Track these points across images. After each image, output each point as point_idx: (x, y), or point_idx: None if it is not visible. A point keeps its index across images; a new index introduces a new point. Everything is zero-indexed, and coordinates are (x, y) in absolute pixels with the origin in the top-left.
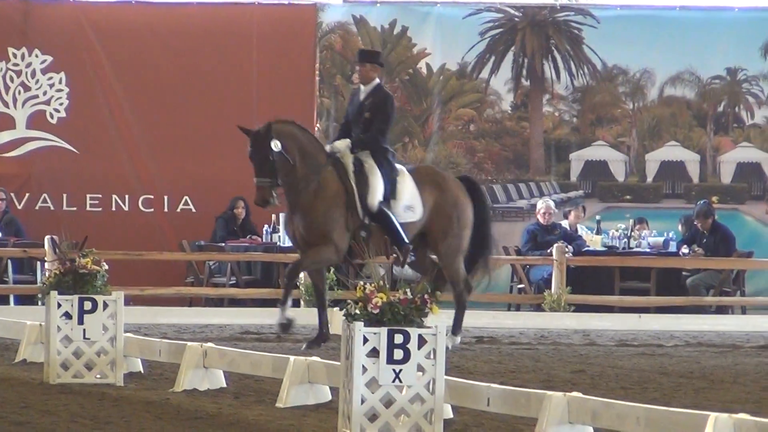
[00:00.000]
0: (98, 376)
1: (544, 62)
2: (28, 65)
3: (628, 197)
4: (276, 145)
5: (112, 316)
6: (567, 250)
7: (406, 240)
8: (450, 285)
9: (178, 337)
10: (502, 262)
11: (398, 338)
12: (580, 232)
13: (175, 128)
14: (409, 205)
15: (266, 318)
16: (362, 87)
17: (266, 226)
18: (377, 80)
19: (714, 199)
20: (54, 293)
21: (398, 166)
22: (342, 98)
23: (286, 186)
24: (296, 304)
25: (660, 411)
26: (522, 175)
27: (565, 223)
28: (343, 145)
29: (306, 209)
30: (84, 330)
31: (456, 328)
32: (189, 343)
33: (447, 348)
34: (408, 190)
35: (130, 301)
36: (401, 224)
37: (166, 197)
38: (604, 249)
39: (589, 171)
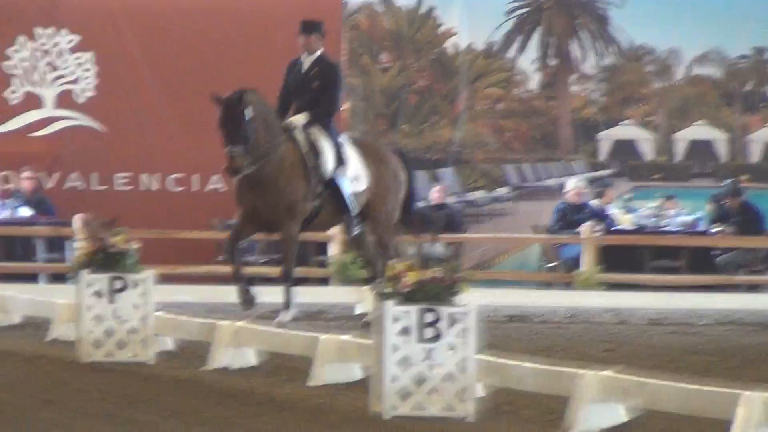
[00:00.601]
0: (130, 354)
1: (571, 42)
2: (56, 44)
3: (657, 176)
4: (249, 113)
5: (143, 295)
6: (597, 229)
7: (355, 210)
8: (381, 254)
9: (210, 315)
10: (533, 241)
11: (429, 317)
12: (609, 211)
13: (203, 107)
14: (356, 175)
15: (297, 296)
16: (303, 57)
17: None
18: (321, 50)
19: (743, 178)
20: (85, 272)
21: (341, 137)
22: (369, 78)
23: (252, 154)
24: (327, 282)
25: (692, 389)
26: (551, 155)
27: (595, 202)
28: (300, 120)
29: (269, 182)
30: (115, 309)
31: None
32: (220, 322)
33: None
34: (353, 160)
35: (161, 279)
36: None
37: (195, 176)
38: (633, 228)
39: (618, 150)
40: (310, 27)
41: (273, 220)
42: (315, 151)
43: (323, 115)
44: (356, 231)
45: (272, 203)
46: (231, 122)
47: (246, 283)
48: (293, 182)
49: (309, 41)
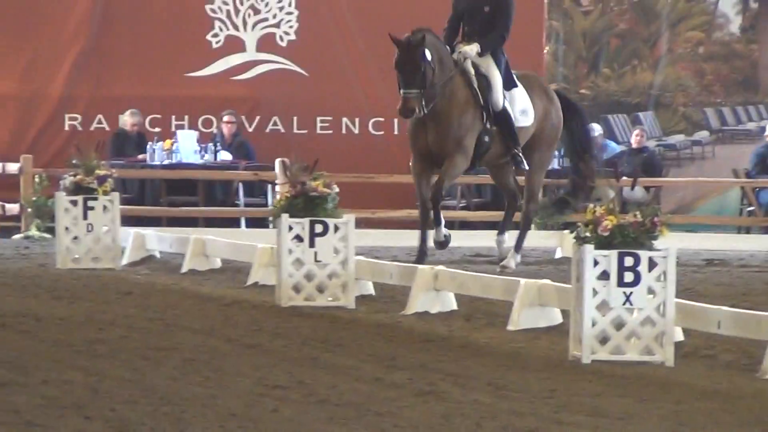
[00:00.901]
0: (330, 298)
1: None
2: None
3: None
4: (427, 55)
5: (343, 239)
6: None
7: (520, 145)
8: (525, 199)
9: (409, 260)
10: (732, 185)
11: (628, 261)
12: None
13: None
14: (523, 109)
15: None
16: None
17: None
18: None
19: None
20: (285, 216)
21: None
22: (571, 21)
23: (426, 95)
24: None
25: None
26: (751, 98)
27: None
28: (473, 50)
29: (441, 117)
30: (315, 253)
31: (519, 246)
32: (420, 266)
33: (510, 267)
34: (521, 94)
35: (361, 223)
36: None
37: (395, 120)
38: None
39: None
40: None
41: (442, 155)
42: (486, 84)
43: (495, 43)
44: (524, 167)
45: (442, 138)
46: (408, 65)
47: (437, 224)
48: (463, 117)
49: None
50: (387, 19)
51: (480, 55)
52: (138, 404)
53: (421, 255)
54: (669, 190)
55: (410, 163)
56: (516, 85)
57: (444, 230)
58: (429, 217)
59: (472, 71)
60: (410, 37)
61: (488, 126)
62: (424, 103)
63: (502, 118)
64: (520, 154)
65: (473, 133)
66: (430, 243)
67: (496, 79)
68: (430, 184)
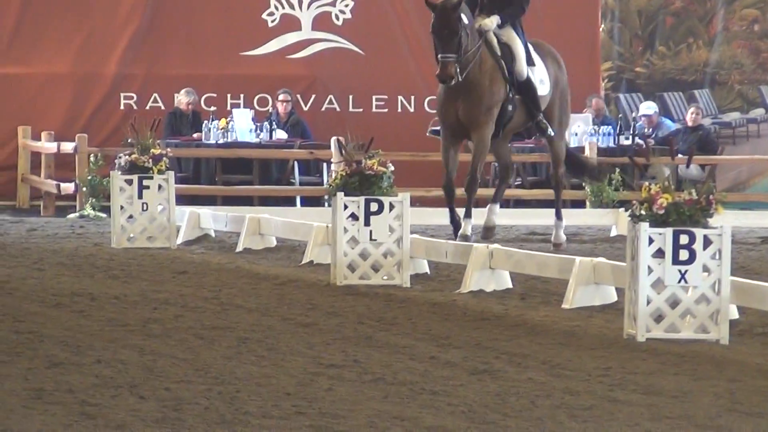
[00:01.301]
0: (385, 277)
1: None
2: None
3: None
4: (464, 20)
5: (399, 218)
6: None
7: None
8: (553, 166)
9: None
10: None
11: (683, 239)
12: None
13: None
14: (541, 78)
15: (552, 219)
16: None
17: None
18: None
19: None
20: (340, 195)
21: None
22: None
23: (462, 62)
24: (582, 204)
25: None
26: None
27: None
28: (493, 23)
29: (473, 86)
30: (370, 231)
31: (560, 214)
32: (475, 245)
33: (561, 239)
34: (538, 62)
35: (416, 202)
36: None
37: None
38: None
39: None
40: None
41: (472, 125)
42: (509, 54)
43: (515, 14)
44: (551, 133)
45: (472, 107)
46: (447, 29)
47: (467, 215)
48: (493, 86)
49: None
50: None
51: (500, 26)
52: (192, 383)
53: (456, 228)
54: (724, 168)
55: (434, 128)
56: (533, 59)
57: (493, 216)
58: (453, 190)
59: (495, 41)
60: (446, 2)
61: (511, 95)
62: (458, 69)
63: (525, 87)
64: (545, 121)
65: (500, 102)
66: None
67: (519, 48)
68: (456, 157)
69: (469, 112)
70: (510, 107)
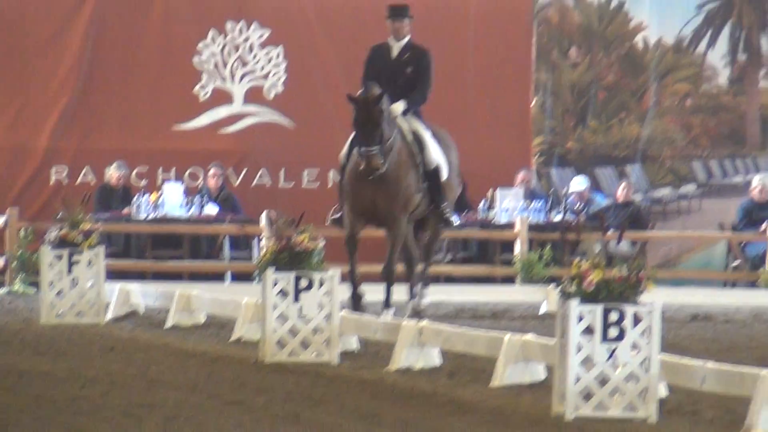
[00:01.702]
0: (314, 354)
1: (761, 36)
2: (246, 39)
3: None
4: (386, 112)
5: (328, 294)
6: None
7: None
8: (430, 249)
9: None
10: (718, 239)
11: (613, 316)
12: None
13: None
14: (440, 164)
15: (482, 296)
16: (391, 42)
17: (482, 202)
18: (408, 35)
19: None
20: (270, 270)
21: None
22: (558, 73)
23: (384, 152)
24: (512, 281)
25: None
26: (738, 151)
27: None
28: (400, 108)
29: (391, 177)
30: (300, 308)
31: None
32: (405, 322)
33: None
34: (437, 147)
35: (346, 278)
36: None
37: None
38: None
39: None
40: (400, 12)
41: (388, 216)
42: (419, 142)
43: (420, 101)
44: (454, 223)
45: (391, 199)
46: (370, 123)
47: (386, 305)
48: (409, 176)
49: (400, 27)
50: None
51: (404, 113)
52: None
53: (356, 300)
54: (655, 244)
55: (334, 216)
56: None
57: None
58: (356, 264)
59: (406, 128)
60: (370, 95)
61: (420, 183)
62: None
63: (434, 176)
64: (449, 209)
65: (415, 193)
66: None
67: (427, 135)
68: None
69: (387, 204)
70: (419, 195)
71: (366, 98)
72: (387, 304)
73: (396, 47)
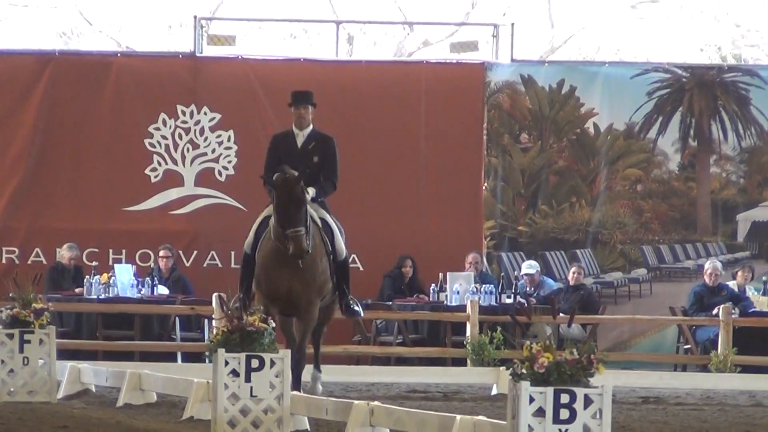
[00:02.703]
0: None
1: (712, 122)
2: (197, 123)
3: None
4: (309, 193)
5: (279, 374)
6: (733, 311)
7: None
8: (319, 336)
9: (345, 395)
10: (669, 323)
11: (564, 398)
12: (747, 293)
13: (342, 185)
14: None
15: (433, 377)
16: (295, 131)
17: (433, 285)
18: (311, 124)
19: None
20: (221, 351)
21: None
22: (510, 157)
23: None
24: (463, 363)
25: None
26: (689, 236)
27: (732, 284)
28: (311, 194)
29: (308, 261)
30: (251, 388)
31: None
32: (356, 402)
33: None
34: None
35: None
36: None
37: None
38: None
39: (757, 232)
40: (304, 98)
41: (302, 302)
42: (329, 231)
43: (329, 190)
44: (360, 314)
45: (307, 285)
46: (293, 203)
47: (296, 385)
48: (323, 261)
49: (304, 113)
50: None
51: (313, 200)
52: None
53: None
54: (606, 328)
55: (236, 305)
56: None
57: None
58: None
59: (315, 215)
60: (291, 177)
61: (330, 272)
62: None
63: (342, 266)
64: (353, 300)
65: (326, 281)
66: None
67: (335, 226)
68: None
69: (304, 288)
70: (330, 284)
71: (286, 179)
72: (296, 387)
73: (300, 136)
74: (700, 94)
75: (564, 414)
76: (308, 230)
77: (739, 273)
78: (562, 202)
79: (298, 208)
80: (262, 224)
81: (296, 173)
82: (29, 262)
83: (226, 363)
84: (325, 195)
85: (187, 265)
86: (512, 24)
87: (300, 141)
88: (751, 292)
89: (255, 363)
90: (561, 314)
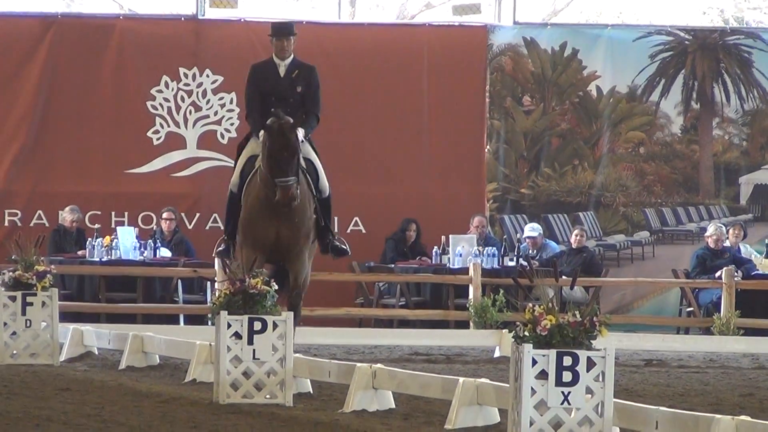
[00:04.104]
0: (267, 396)
1: (714, 85)
2: (199, 85)
3: None
4: (301, 141)
5: (282, 337)
6: (736, 274)
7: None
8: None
9: (348, 358)
10: (671, 286)
11: (567, 360)
12: (742, 252)
13: (345, 149)
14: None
15: (435, 340)
16: (277, 61)
17: (436, 247)
18: (293, 54)
19: None
20: (224, 313)
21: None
22: (512, 120)
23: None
24: (465, 325)
25: None
26: (691, 199)
27: (728, 243)
28: (300, 136)
29: (298, 208)
30: (254, 350)
31: None
32: (358, 364)
33: None
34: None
35: (299, 321)
36: None
37: (336, 218)
38: None
39: (759, 194)
40: (286, 30)
41: (292, 249)
42: (313, 170)
43: (314, 126)
44: (348, 253)
45: (295, 231)
46: (287, 151)
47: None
48: (309, 208)
49: (287, 46)
50: (328, 118)
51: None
52: None
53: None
54: (608, 290)
55: (220, 248)
56: None
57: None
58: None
59: (301, 156)
60: (285, 124)
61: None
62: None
63: (325, 205)
64: (339, 238)
65: (314, 223)
66: None
67: (319, 164)
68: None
69: (293, 236)
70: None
71: (282, 126)
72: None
73: (282, 66)
74: (702, 56)
75: (567, 376)
76: (298, 179)
77: (731, 232)
78: (565, 164)
79: (291, 156)
80: (247, 163)
81: (291, 120)
82: (32, 224)
83: (229, 325)
84: (312, 131)
85: (190, 227)
86: None
87: (282, 71)
88: (753, 255)
89: (258, 325)
90: (563, 277)
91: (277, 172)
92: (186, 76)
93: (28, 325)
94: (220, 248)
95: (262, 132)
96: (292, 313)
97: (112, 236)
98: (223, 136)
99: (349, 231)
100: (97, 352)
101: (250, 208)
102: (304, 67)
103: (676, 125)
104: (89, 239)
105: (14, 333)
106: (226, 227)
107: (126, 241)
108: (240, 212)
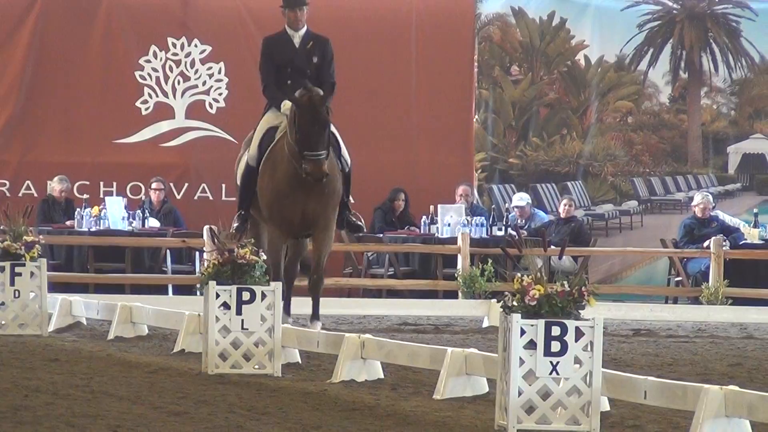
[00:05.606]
0: (256, 366)
1: (702, 55)
2: (188, 55)
3: None
4: (330, 115)
5: (270, 307)
6: (724, 243)
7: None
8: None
9: (336, 328)
10: (659, 255)
11: (555, 330)
12: (737, 224)
13: (333, 118)
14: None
15: (424, 310)
16: (291, 32)
17: (424, 217)
18: (306, 25)
19: None
20: (212, 283)
21: None
22: (500, 90)
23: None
24: (454, 295)
25: None
26: (680, 168)
27: (722, 215)
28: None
29: (328, 182)
30: (242, 320)
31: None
32: (347, 334)
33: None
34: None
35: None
36: None
37: None
38: (761, 242)
39: (747, 164)
40: (299, 0)
41: (319, 222)
42: (335, 142)
43: (332, 97)
44: (363, 230)
45: (324, 205)
46: (317, 125)
47: (287, 311)
48: (337, 182)
49: (299, 15)
50: None
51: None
52: None
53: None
54: (597, 260)
55: (237, 224)
56: None
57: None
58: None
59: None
60: (316, 98)
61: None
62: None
63: (346, 178)
64: (356, 213)
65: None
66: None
67: (338, 135)
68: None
69: (322, 208)
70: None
71: (312, 99)
72: (317, 316)
73: (296, 36)
74: (690, 26)
75: (555, 346)
76: (329, 152)
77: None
78: (553, 134)
79: (322, 129)
80: (265, 136)
81: (321, 92)
82: (20, 194)
83: (217, 296)
84: (330, 102)
85: (178, 197)
86: None
87: (297, 42)
88: (741, 224)
89: (246, 295)
90: (552, 247)
91: (307, 145)
92: (174, 45)
93: (16, 295)
94: (237, 224)
95: (288, 104)
96: (280, 283)
97: (101, 206)
98: (211, 106)
99: None
100: (85, 323)
101: (278, 183)
102: (319, 38)
103: (664, 95)
104: (78, 209)
105: (3, 303)
106: (242, 203)
107: (114, 211)
108: (255, 184)
